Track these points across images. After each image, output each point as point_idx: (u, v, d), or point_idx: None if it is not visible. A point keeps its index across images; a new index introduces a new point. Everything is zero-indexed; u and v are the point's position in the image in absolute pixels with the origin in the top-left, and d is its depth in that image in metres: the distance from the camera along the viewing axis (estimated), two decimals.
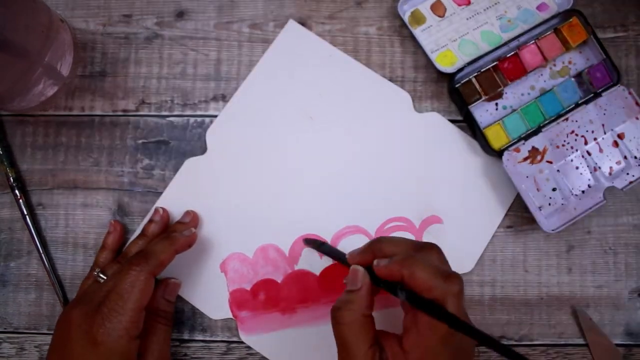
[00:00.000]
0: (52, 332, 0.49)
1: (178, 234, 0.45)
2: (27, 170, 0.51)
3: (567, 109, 0.49)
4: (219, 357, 0.49)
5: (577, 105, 0.49)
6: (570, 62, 0.51)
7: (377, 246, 0.38)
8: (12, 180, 0.50)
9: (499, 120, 0.49)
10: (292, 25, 0.51)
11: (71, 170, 0.51)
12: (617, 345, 0.48)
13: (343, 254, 0.41)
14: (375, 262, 0.36)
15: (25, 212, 0.50)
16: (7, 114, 0.52)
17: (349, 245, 0.49)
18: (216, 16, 0.52)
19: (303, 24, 0.52)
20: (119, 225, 0.49)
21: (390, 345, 0.36)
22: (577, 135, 0.48)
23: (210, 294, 0.49)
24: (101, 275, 0.44)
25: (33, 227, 0.50)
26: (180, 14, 0.52)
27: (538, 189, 0.48)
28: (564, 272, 0.49)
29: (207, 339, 0.49)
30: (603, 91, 0.49)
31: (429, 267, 0.34)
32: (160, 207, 0.49)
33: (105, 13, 0.52)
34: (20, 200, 0.50)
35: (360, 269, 0.37)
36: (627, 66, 0.51)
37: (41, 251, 0.50)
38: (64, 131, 0.51)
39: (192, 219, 0.48)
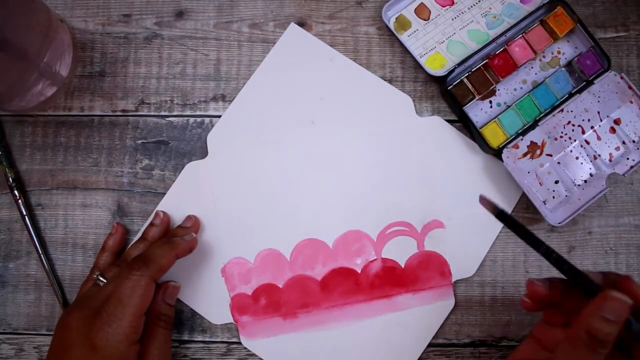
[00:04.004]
0: (51, 332, 0.49)
1: (179, 239, 0.45)
2: (26, 171, 0.51)
3: (561, 100, 0.49)
4: (219, 358, 0.49)
5: (571, 95, 0.49)
6: (559, 52, 0.51)
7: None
8: (11, 180, 0.50)
9: (494, 118, 0.49)
10: (292, 29, 0.51)
11: (70, 171, 0.51)
12: None
13: (578, 271, 0.33)
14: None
15: (25, 213, 0.50)
16: (6, 114, 0.51)
17: (351, 250, 0.49)
18: (216, 16, 0.52)
19: (303, 23, 0.51)
20: (120, 227, 0.49)
21: None
22: (573, 125, 0.48)
23: (211, 299, 0.49)
24: (100, 279, 0.44)
25: (32, 227, 0.50)
26: (180, 14, 0.52)
27: (540, 183, 0.48)
28: None
29: (207, 339, 0.49)
30: (595, 78, 0.49)
31: None
32: (161, 211, 0.48)
33: (104, 13, 0.52)
34: (20, 201, 0.50)
35: (627, 299, 0.30)
36: (628, 66, 0.51)
37: (40, 252, 0.49)
38: (63, 131, 0.51)
39: (193, 224, 0.48)
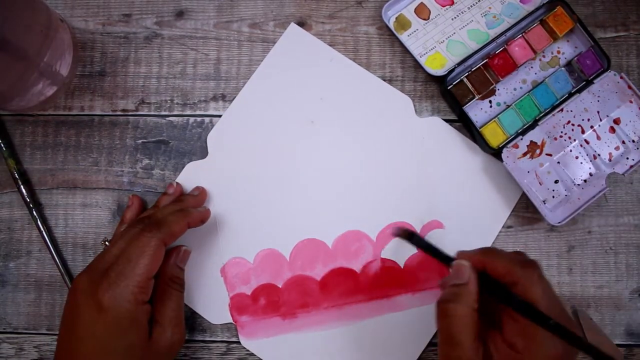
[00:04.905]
0: (51, 332, 0.50)
1: (192, 209, 0.45)
2: (26, 170, 0.51)
3: (561, 100, 0.49)
4: (219, 357, 0.49)
5: (571, 94, 0.49)
6: (559, 52, 0.51)
7: (490, 255, 0.38)
8: (16, 174, 0.50)
9: (494, 117, 0.49)
10: (292, 29, 0.51)
11: (70, 170, 0.51)
12: (618, 345, 0.48)
13: (444, 253, 0.39)
14: (457, 251, 0.38)
15: (31, 205, 0.50)
16: (6, 114, 0.52)
17: (351, 250, 0.49)
18: (216, 15, 0.52)
19: (303, 23, 0.51)
20: (137, 199, 0.49)
21: (493, 340, 0.36)
22: (573, 125, 0.48)
23: (210, 299, 0.49)
24: (107, 244, 0.44)
25: (39, 217, 0.50)
26: (180, 14, 0.52)
27: (540, 183, 0.48)
28: (564, 272, 0.49)
29: (207, 339, 0.49)
30: (594, 78, 0.49)
31: (507, 256, 0.37)
32: (175, 182, 0.49)
33: (104, 12, 0.52)
34: (23, 191, 0.49)
35: (466, 263, 0.37)
36: (627, 66, 0.51)
37: (48, 242, 0.49)
38: (63, 131, 0.51)
39: (201, 193, 0.48)
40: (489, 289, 0.36)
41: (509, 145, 0.48)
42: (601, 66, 0.49)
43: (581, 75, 0.49)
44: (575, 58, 0.49)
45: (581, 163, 0.48)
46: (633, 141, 0.48)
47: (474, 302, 0.35)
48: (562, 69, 0.50)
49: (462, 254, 0.38)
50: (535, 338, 0.34)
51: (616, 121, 0.48)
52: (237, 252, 0.49)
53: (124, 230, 0.44)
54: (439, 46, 0.50)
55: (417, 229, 0.49)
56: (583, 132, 0.48)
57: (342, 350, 0.48)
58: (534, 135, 0.48)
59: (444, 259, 0.39)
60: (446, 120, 0.50)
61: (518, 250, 0.49)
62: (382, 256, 0.48)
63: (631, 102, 0.48)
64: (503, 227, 0.49)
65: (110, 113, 0.51)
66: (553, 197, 0.47)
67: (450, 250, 0.48)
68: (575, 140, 0.48)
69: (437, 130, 0.50)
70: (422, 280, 0.48)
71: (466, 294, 0.36)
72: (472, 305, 0.35)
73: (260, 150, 0.50)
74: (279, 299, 0.48)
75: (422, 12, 0.51)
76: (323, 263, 0.48)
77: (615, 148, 0.48)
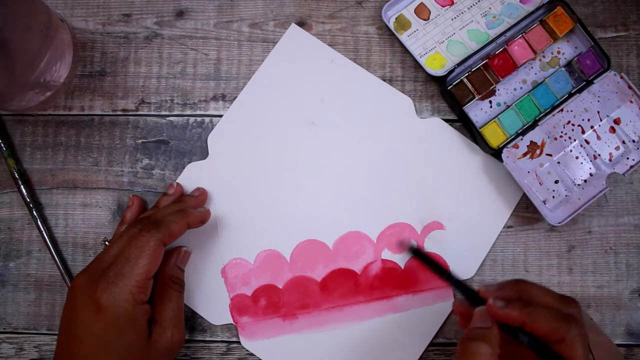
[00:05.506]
0: (51, 332, 0.50)
1: (192, 210, 0.45)
2: (26, 170, 0.51)
3: (561, 100, 0.49)
4: (219, 357, 0.49)
5: (571, 94, 0.49)
6: (559, 52, 0.51)
7: (523, 289, 0.37)
8: (16, 174, 0.50)
9: (494, 118, 0.49)
10: (293, 29, 0.51)
11: (71, 170, 0.51)
12: (618, 345, 0.48)
13: (468, 287, 0.38)
14: (491, 300, 0.36)
15: (31, 205, 0.50)
16: (6, 114, 0.52)
17: (351, 251, 0.49)
18: (216, 15, 0.52)
19: (303, 23, 0.51)
20: (137, 199, 0.49)
21: None
22: (573, 125, 0.48)
23: (211, 300, 0.49)
24: (107, 243, 0.44)
25: (39, 217, 0.49)
26: (180, 13, 0.52)
27: (540, 183, 0.48)
28: (564, 272, 0.49)
29: (207, 339, 0.49)
30: (594, 78, 0.49)
31: (550, 313, 0.35)
32: (175, 182, 0.49)
33: (104, 12, 0.52)
34: (23, 191, 0.49)
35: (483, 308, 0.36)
36: (627, 66, 0.51)
37: (48, 243, 0.49)
38: (63, 131, 0.51)
39: (201, 193, 0.48)
40: (532, 346, 0.35)
41: (509, 146, 0.48)
42: (601, 66, 0.49)
43: (581, 76, 0.49)
44: (575, 58, 0.49)
45: (581, 163, 0.48)
46: (633, 141, 0.48)
47: (497, 346, 0.35)
48: (562, 69, 0.50)
49: (490, 292, 0.37)
50: None
51: (616, 121, 0.48)
52: (237, 253, 0.49)
53: (123, 230, 0.44)
54: (439, 46, 0.50)
55: (418, 230, 0.49)
56: (583, 132, 0.48)
57: (343, 352, 0.48)
58: (534, 135, 0.48)
59: (469, 296, 0.38)
60: (446, 121, 0.50)
61: (518, 250, 0.49)
62: (382, 257, 0.48)
63: (631, 102, 0.48)
64: (503, 227, 0.49)
65: (110, 113, 0.51)
66: (553, 197, 0.47)
67: (451, 251, 0.49)
68: (575, 140, 0.48)
69: (437, 131, 0.50)
70: (423, 281, 0.48)
71: (490, 335, 0.35)
72: (495, 348, 0.34)
73: (261, 151, 0.50)
74: (280, 300, 0.48)
75: (422, 12, 0.51)
76: (323, 264, 0.48)
77: (615, 148, 0.48)
